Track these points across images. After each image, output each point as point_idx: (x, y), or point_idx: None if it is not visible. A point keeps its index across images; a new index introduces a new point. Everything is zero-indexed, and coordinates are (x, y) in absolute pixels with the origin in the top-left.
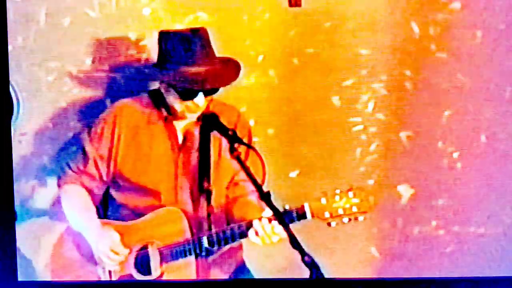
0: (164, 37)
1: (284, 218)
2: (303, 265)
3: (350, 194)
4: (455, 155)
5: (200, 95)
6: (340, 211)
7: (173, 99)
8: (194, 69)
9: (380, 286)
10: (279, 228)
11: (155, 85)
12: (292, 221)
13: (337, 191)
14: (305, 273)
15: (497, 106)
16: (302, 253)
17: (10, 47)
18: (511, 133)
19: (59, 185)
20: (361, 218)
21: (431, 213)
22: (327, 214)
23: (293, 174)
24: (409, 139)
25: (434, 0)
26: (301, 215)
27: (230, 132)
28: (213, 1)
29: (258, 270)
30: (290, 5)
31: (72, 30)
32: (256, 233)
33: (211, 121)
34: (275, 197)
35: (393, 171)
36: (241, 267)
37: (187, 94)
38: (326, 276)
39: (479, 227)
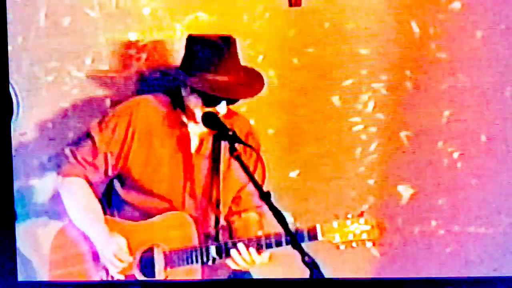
0: (192, 41)
1: (294, 236)
2: (303, 265)
3: (361, 220)
4: (455, 155)
5: (223, 103)
6: (351, 237)
7: (194, 104)
8: (219, 77)
9: (380, 286)
10: (256, 255)
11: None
12: (302, 241)
13: (349, 216)
14: (305, 273)
15: (497, 106)
16: (302, 253)
17: (10, 47)
18: (511, 133)
19: (59, 174)
20: (369, 244)
21: (431, 213)
22: (337, 238)
23: (293, 174)
24: (409, 139)
25: (434, 0)
26: (313, 236)
27: (230, 132)
28: (213, 1)
29: (258, 270)
30: (290, 5)
31: (72, 30)
32: (235, 263)
33: (211, 121)
34: (275, 197)
35: (393, 171)
36: None
37: (210, 101)
38: (326, 276)
39: (479, 227)
